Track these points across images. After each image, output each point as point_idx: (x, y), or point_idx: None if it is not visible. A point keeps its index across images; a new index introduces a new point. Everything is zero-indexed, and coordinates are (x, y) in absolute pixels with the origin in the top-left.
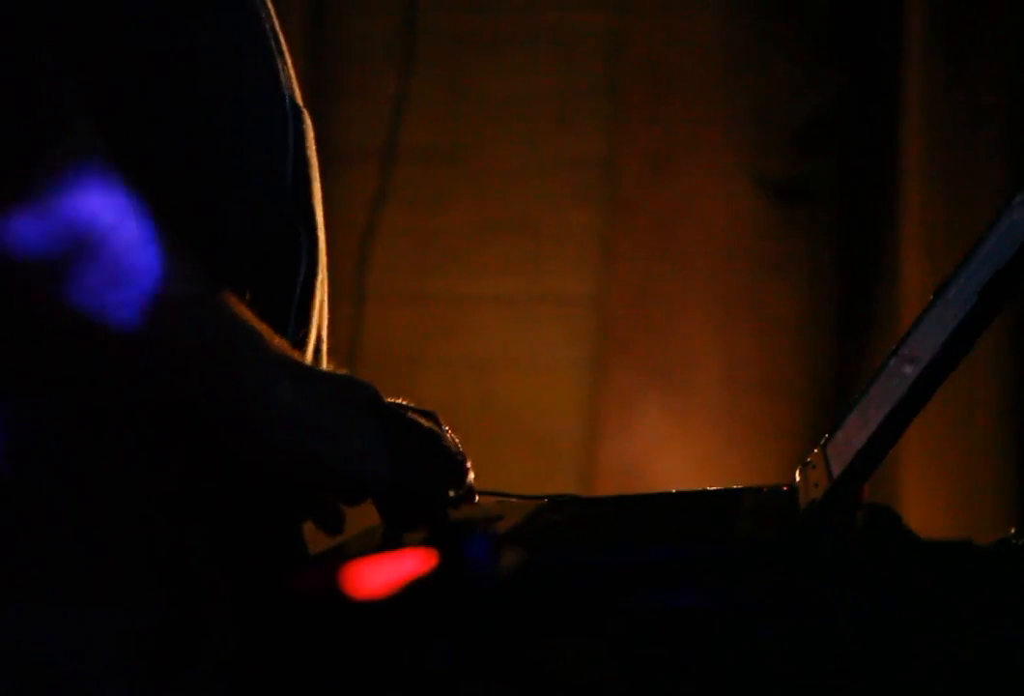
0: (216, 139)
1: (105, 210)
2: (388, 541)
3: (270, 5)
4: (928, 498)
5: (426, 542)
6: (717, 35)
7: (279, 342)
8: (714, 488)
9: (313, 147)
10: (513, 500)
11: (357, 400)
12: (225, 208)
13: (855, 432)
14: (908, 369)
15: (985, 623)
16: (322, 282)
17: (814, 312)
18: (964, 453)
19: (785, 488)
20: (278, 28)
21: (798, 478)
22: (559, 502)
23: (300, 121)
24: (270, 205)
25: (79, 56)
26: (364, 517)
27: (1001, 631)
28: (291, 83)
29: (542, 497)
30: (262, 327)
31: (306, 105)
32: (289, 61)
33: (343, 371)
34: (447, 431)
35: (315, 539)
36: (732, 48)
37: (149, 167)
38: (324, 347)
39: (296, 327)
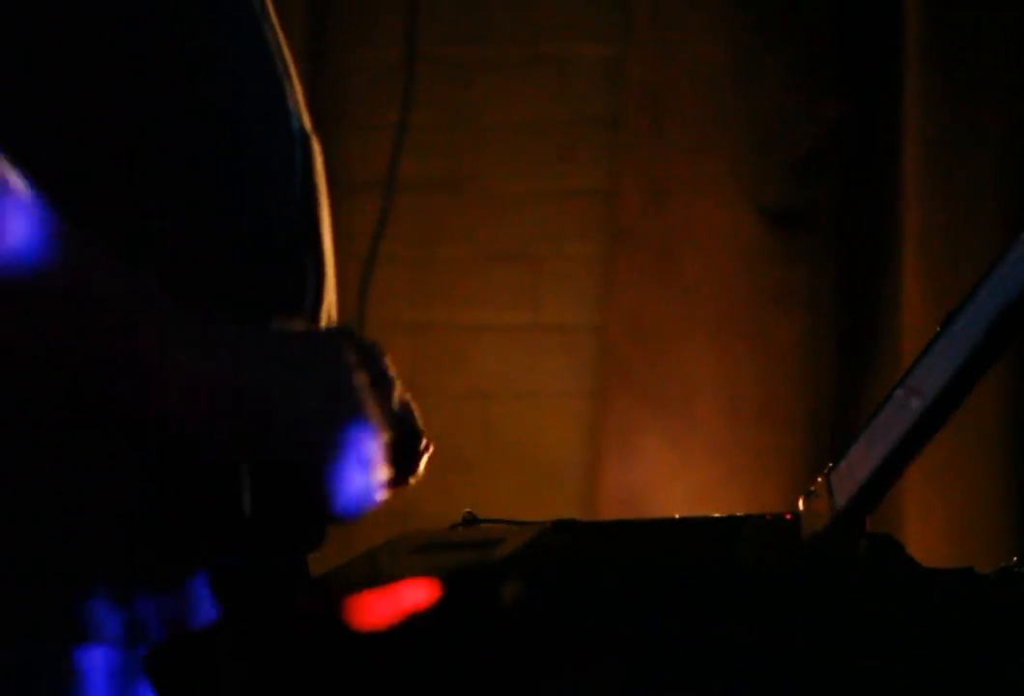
0: (218, 160)
1: None
2: (389, 570)
3: (279, 29)
4: (929, 525)
5: (428, 571)
6: (717, 65)
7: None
8: (716, 515)
9: (322, 173)
10: (514, 527)
11: (308, 359)
12: (227, 230)
13: (860, 463)
14: (914, 402)
15: (987, 652)
16: (328, 310)
17: (815, 340)
18: (965, 481)
19: (788, 516)
20: (287, 53)
21: (801, 507)
22: (560, 527)
23: (308, 146)
24: (275, 229)
25: (78, 72)
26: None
27: (1003, 659)
28: (299, 108)
29: (542, 522)
30: (161, 297)
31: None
32: (298, 86)
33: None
34: (409, 405)
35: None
36: (732, 77)
37: (146, 187)
38: None
39: None
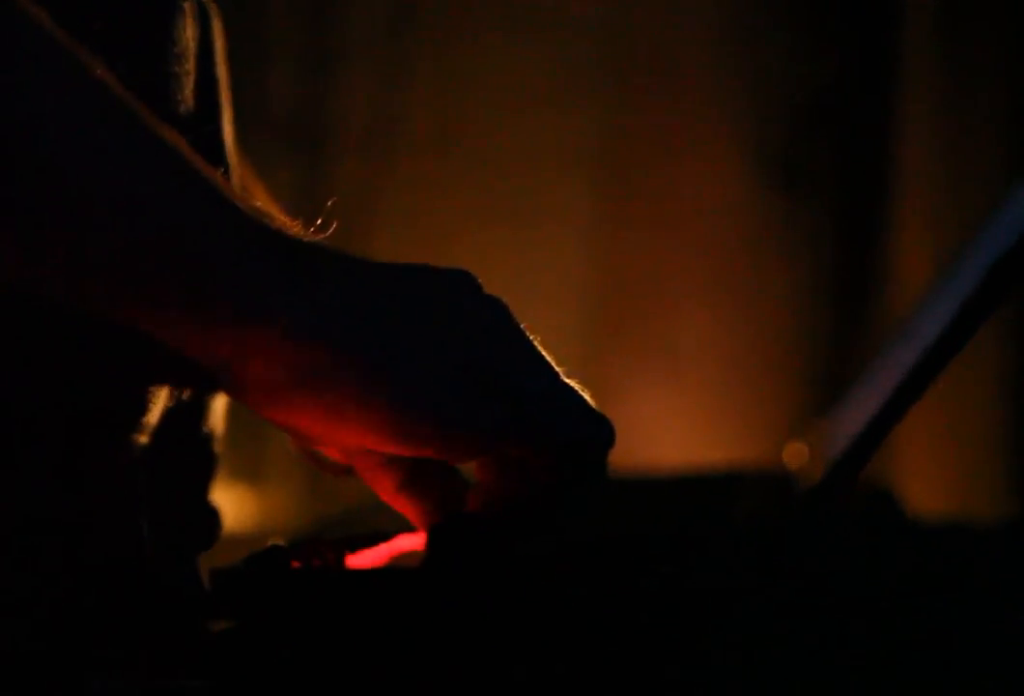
0: None
1: None
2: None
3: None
4: (924, 480)
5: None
6: (716, 16)
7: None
8: (708, 469)
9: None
10: None
11: (420, 299)
12: None
13: (854, 414)
14: (910, 351)
15: (982, 608)
16: None
17: (812, 292)
18: (962, 435)
19: (779, 468)
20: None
21: (793, 458)
22: None
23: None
24: None
25: None
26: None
27: (998, 615)
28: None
29: None
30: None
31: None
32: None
33: None
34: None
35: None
36: (732, 29)
37: None
38: None
39: None
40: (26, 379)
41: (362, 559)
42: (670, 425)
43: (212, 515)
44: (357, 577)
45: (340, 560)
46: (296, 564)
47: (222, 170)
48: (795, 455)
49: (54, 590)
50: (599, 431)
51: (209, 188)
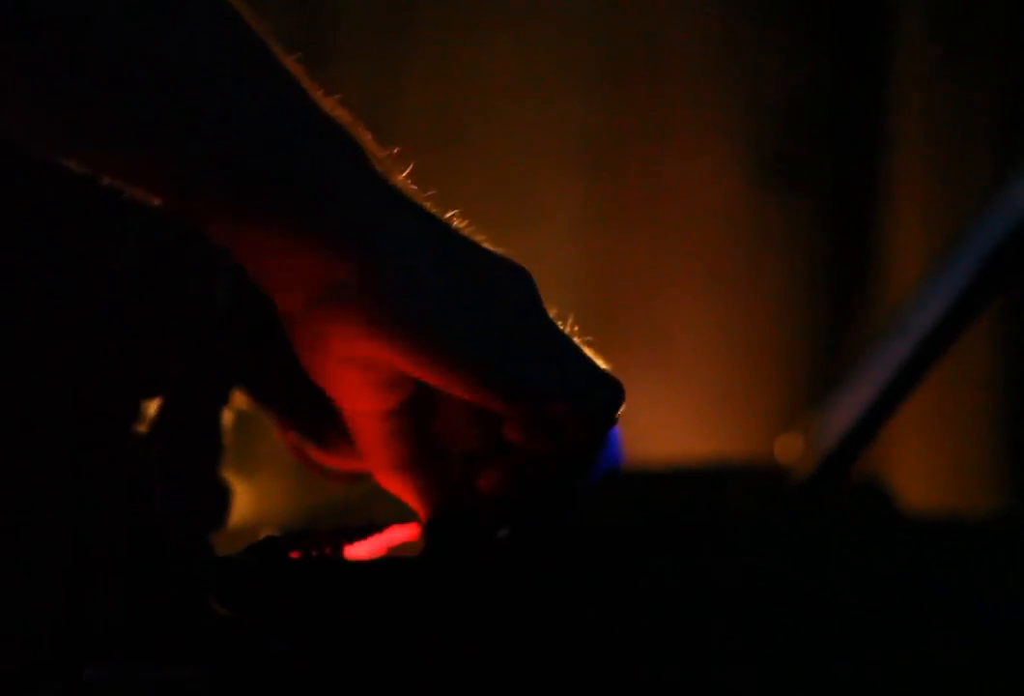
0: None
1: None
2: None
3: None
4: (917, 473)
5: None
6: (710, 13)
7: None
8: (700, 462)
9: None
10: None
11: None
12: None
13: (847, 408)
14: (903, 345)
15: (978, 601)
16: None
17: (805, 284)
18: (955, 427)
19: (771, 462)
20: None
21: (785, 451)
22: None
23: None
24: None
25: None
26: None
27: (994, 608)
28: None
29: None
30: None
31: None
32: None
33: None
34: None
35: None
36: (725, 26)
37: None
38: None
39: None
40: (31, 360)
41: (359, 550)
42: (663, 419)
43: (223, 492)
44: (358, 567)
45: (338, 551)
46: (295, 554)
47: None
48: (787, 449)
49: (62, 573)
50: (617, 390)
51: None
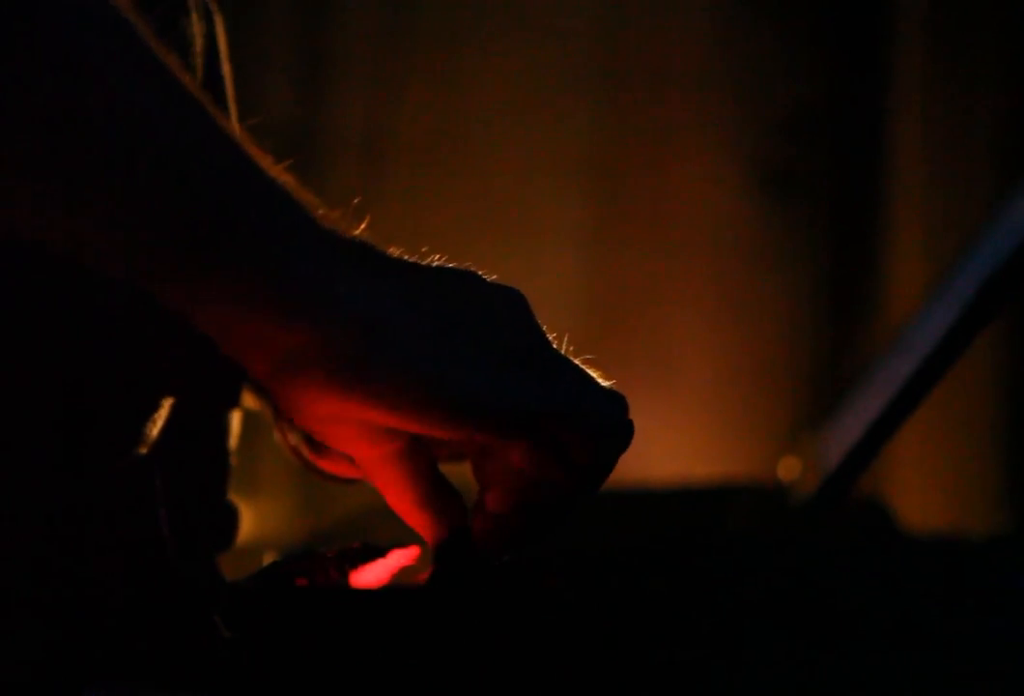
0: None
1: None
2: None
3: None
4: (919, 491)
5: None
6: (709, 26)
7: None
8: (702, 482)
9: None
10: None
11: (481, 306)
12: None
13: (849, 426)
14: (906, 363)
15: (977, 619)
16: None
17: (806, 301)
18: (958, 445)
19: (773, 481)
20: None
21: (788, 471)
22: None
23: None
24: None
25: None
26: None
27: (992, 626)
28: None
29: None
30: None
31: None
32: None
33: None
34: None
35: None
36: (724, 39)
37: None
38: None
39: None
40: (34, 374)
41: (365, 577)
42: (664, 438)
43: (231, 514)
44: (365, 596)
45: (344, 577)
46: (302, 582)
47: None
48: (790, 468)
49: (64, 594)
50: (621, 405)
51: (265, 176)
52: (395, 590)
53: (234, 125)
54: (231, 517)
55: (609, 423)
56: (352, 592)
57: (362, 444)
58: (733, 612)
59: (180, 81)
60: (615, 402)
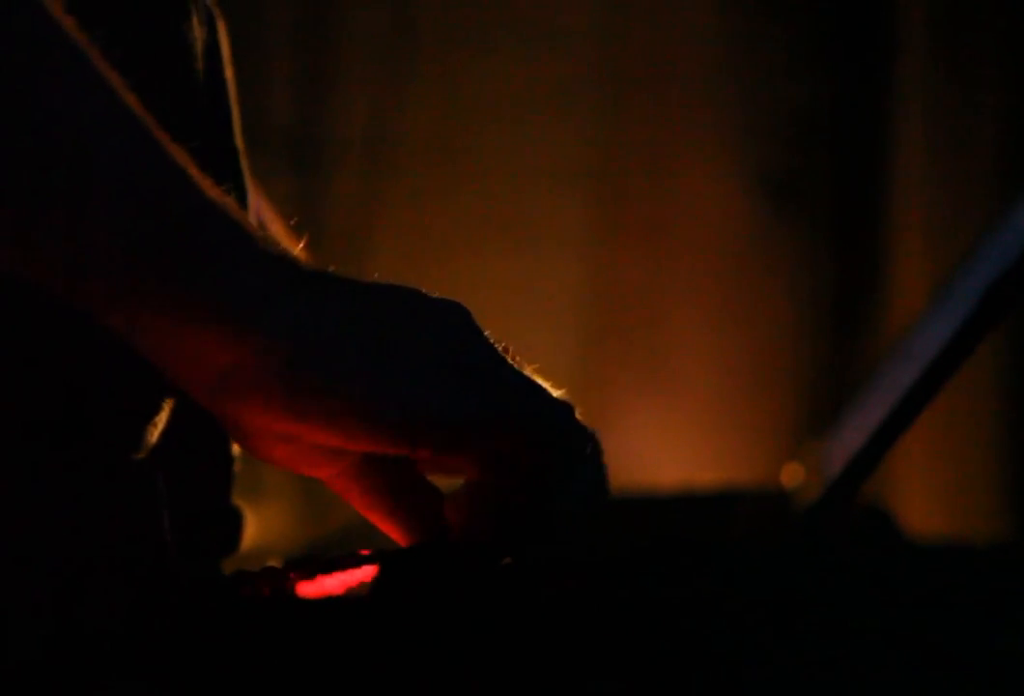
0: None
1: None
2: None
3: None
4: (922, 497)
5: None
6: (712, 34)
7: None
8: (705, 488)
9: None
10: None
11: (421, 319)
12: None
13: (853, 433)
14: (909, 370)
15: (981, 627)
16: None
17: (808, 308)
18: (961, 452)
19: (776, 487)
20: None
21: (791, 478)
22: None
23: None
24: None
25: None
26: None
27: (997, 634)
28: None
29: None
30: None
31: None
32: None
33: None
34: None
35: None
36: (728, 46)
37: None
38: None
39: None
40: (34, 377)
41: (316, 587)
42: (666, 444)
43: (235, 517)
44: (299, 606)
45: (287, 588)
46: (246, 591)
47: (233, 173)
48: (793, 474)
49: (62, 598)
50: (567, 410)
51: (213, 203)
52: (326, 601)
53: (238, 130)
54: (236, 521)
55: (552, 427)
56: (285, 601)
57: (314, 463)
58: (735, 618)
59: (122, 100)
60: (560, 407)
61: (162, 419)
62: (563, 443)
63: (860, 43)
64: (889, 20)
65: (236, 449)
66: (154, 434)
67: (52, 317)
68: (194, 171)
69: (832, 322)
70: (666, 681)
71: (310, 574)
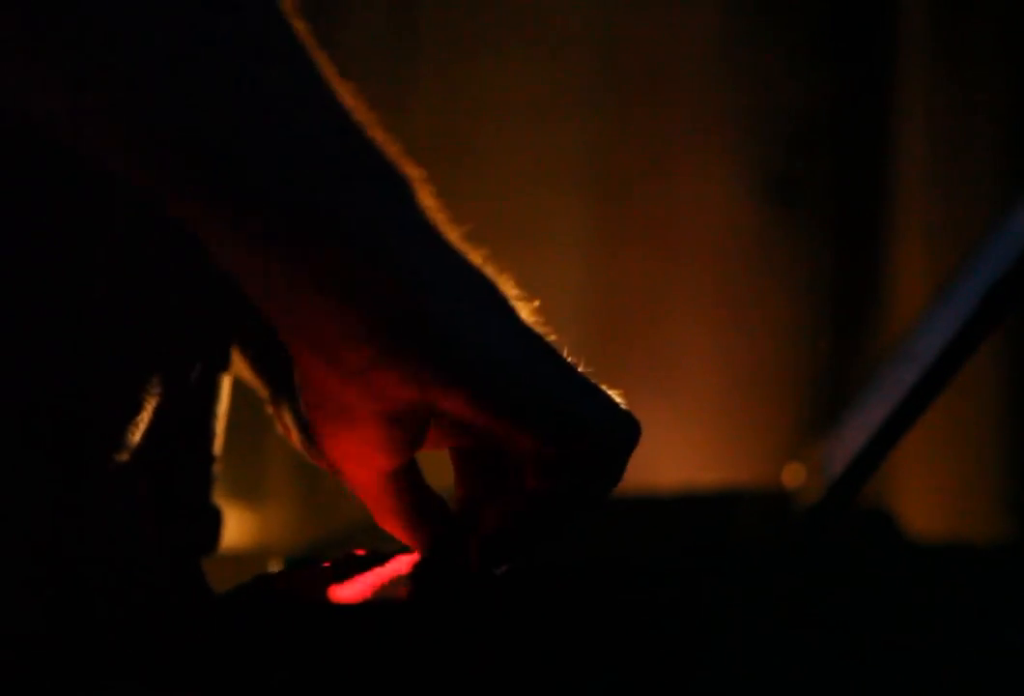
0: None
1: None
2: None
3: None
4: (923, 498)
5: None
6: (713, 35)
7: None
8: (706, 489)
9: None
10: None
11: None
12: None
13: (854, 433)
14: (910, 370)
15: (982, 626)
16: None
17: (810, 310)
18: (962, 452)
19: (777, 488)
20: None
21: (792, 478)
22: None
23: None
24: None
25: None
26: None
27: (998, 633)
28: None
29: None
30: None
31: None
32: None
33: None
34: None
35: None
36: (729, 47)
37: None
38: None
39: None
40: (16, 376)
41: (348, 591)
42: (668, 444)
43: (213, 516)
44: (342, 612)
45: (324, 593)
46: (281, 595)
47: None
48: (794, 475)
49: (44, 601)
50: (639, 431)
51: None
52: (366, 606)
53: None
54: (214, 520)
55: (625, 445)
56: (325, 607)
57: (379, 454)
58: (737, 618)
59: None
60: (634, 426)
61: (144, 419)
62: (624, 464)
63: (861, 44)
64: (890, 21)
65: (217, 449)
66: (136, 434)
67: (32, 318)
68: (364, 119)
69: (833, 322)
70: (666, 681)
71: (343, 574)
